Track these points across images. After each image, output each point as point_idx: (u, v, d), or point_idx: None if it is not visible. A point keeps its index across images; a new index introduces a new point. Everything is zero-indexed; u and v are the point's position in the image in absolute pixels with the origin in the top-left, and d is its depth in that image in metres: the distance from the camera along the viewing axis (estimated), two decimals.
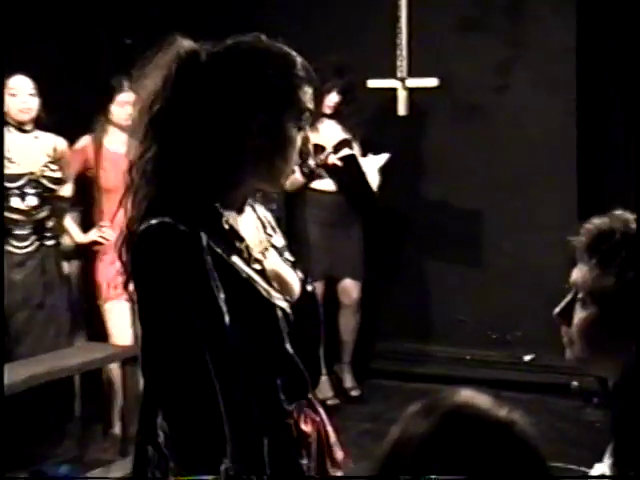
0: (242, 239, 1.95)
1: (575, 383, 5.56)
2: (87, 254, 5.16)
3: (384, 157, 5.90)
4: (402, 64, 6.25)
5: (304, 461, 1.98)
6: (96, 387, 5.09)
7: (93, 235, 5.10)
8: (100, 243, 5.07)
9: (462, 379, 5.51)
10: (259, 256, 1.99)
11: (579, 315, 1.80)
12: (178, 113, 1.91)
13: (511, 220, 6.10)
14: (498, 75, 6.13)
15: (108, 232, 5.02)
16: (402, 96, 6.23)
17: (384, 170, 5.93)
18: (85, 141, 5.13)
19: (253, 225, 2.06)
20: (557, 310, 1.84)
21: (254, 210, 2.11)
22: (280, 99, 1.95)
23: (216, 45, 1.97)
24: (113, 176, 5.03)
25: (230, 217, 1.96)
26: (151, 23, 5.63)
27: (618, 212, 1.79)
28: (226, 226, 1.93)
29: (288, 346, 1.92)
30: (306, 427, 2.00)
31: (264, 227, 2.11)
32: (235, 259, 1.90)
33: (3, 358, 4.36)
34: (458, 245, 6.30)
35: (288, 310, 1.94)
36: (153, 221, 1.85)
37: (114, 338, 5.10)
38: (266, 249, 2.04)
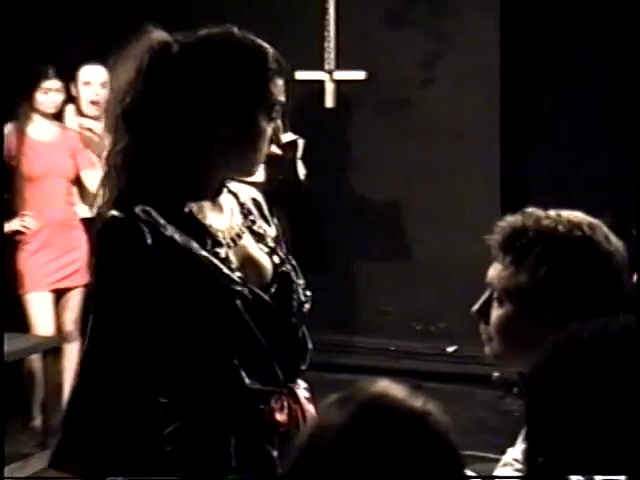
0: (203, 226, 1.96)
1: (496, 374, 5.64)
2: (9, 243, 5.08)
3: (300, 142, 5.88)
4: (330, 56, 6.26)
5: (274, 452, 1.96)
6: (15, 379, 5.01)
7: (15, 224, 5.01)
8: (22, 232, 5.00)
9: (386, 370, 5.55)
10: (226, 241, 2.00)
11: (496, 313, 1.82)
12: (150, 106, 1.92)
13: (435, 213, 6.16)
14: (424, 68, 6.18)
15: (30, 221, 4.95)
16: (329, 88, 6.24)
17: (310, 161, 5.92)
18: (7, 129, 5.04)
19: (228, 211, 2.06)
20: (475, 308, 1.87)
21: (235, 196, 2.11)
22: (252, 92, 1.96)
23: (187, 36, 1.97)
24: (37, 164, 4.97)
25: (195, 205, 1.97)
26: (79, 9, 5.54)
27: (530, 210, 1.81)
28: (186, 210, 1.95)
29: (253, 329, 1.94)
30: (281, 416, 1.98)
31: (247, 213, 2.10)
32: (191, 245, 1.92)
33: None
34: (383, 237, 6.34)
35: (248, 295, 1.95)
36: (108, 214, 1.90)
37: (35, 329, 5.02)
38: (238, 235, 2.03)
